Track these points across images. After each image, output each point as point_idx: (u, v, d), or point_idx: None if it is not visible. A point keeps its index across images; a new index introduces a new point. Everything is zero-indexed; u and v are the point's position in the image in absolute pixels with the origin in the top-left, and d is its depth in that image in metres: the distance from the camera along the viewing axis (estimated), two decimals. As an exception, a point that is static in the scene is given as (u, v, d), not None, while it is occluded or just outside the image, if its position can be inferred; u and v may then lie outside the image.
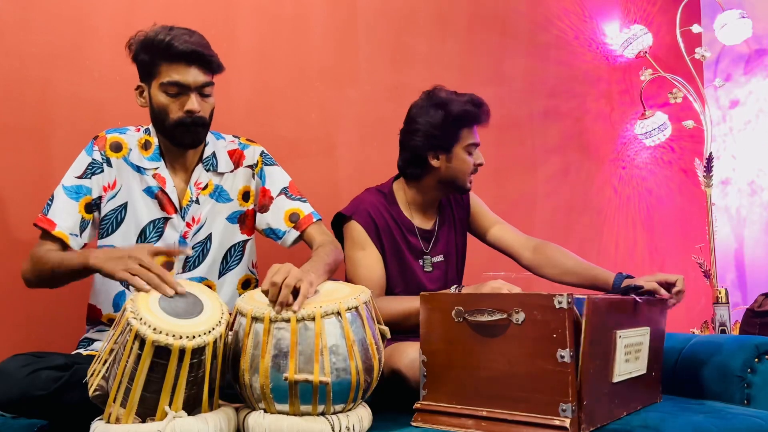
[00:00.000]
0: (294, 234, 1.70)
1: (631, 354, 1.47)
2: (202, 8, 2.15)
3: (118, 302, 1.61)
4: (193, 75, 1.55)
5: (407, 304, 1.67)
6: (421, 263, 1.89)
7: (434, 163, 1.85)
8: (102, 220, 1.61)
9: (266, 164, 1.75)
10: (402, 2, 2.57)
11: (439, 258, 1.92)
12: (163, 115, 1.57)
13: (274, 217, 1.71)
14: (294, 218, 1.70)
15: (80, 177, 1.59)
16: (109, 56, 1.94)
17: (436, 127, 1.82)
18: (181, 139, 1.59)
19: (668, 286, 1.67)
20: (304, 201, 1.74)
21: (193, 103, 1.54)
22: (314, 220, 1.71)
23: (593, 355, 1.32)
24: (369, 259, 1.80)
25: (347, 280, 1.83)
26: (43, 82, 1.89)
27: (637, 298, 1.49)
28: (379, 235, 1.83)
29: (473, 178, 1.91)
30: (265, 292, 1.32)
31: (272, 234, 1.73)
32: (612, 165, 3.17)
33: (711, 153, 3.07)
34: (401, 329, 1.60)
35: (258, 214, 1.73)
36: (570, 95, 3.04)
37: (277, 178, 1.74)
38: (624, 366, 1.45)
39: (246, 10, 2.23)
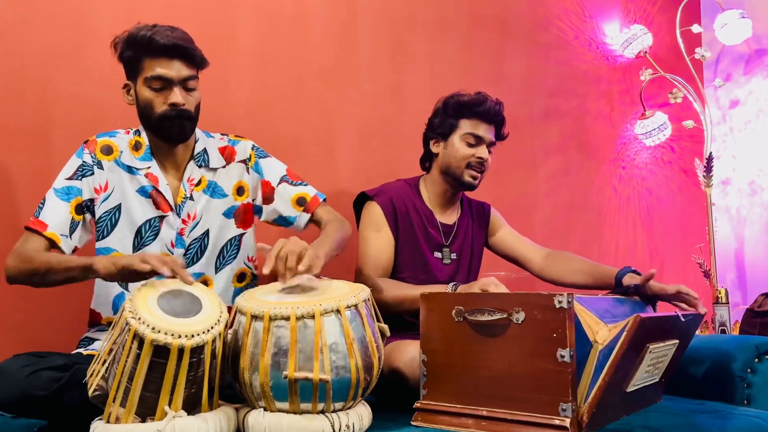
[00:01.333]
0: (305, 217, 1.75)
1: (653, 365, 1.46)
2: (202, 8, 2.15)
3: (117, 304, 1.61)
4: (176, 68, 1.56)
5: (404, 291, 1.73)
6: (439, 255, 1.94)
7: (434, 149, 1.96)
8: (97, 223, 1.62)
9: (260, 157, 1.77)
10: (402, 2, 2.57)
11: (454, 255, 1.96)
12: (148, 110, 1.58)
13: (282, 205, 1.75)
14: (301, 202, 1.75)
15: (70, 178, 1.60)
16: (109, 56, 1.92)
17: (437, 115, 1.97)
18: (167, 133, 1.60)
19: (668, 296, 1.65)
20: (306, 184, 1.79)
21: (177, 96, 1.56)
22: (320, 200, 1.77)
23: (619, 367, 1.31)
24: (380, 241, 1.87)
25: (358, 257, 1.88)
26: (43, 82, 1.89)
27: (681, 316, 1.46)
28: (396, 221, 1.89)
29: (481, 178, 1.93)
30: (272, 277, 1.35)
31: (284, 222, 1.77)
32: (612, 165, 3.17)
33: (711, 153, 3.06)
34: (392, 312, 1.68)
35: (263, 207, 1.76)
36: (570, 95, 3.04)
37: (274, 168, 1.78)
38: (642, 376, 1.44)
39: (246, 10, 2.23)
